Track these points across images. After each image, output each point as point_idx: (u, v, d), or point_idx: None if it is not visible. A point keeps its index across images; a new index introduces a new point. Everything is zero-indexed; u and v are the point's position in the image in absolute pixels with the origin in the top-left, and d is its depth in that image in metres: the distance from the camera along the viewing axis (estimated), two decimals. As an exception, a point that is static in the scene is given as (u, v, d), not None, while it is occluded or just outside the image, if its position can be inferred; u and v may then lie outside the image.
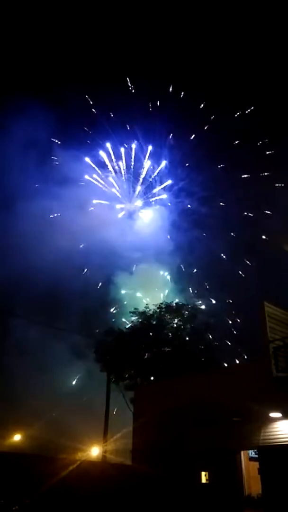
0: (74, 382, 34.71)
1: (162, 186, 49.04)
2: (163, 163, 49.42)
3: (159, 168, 49.01)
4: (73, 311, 39.34)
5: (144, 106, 48.91)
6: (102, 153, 47.94)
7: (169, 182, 48.75)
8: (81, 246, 41.91)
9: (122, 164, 48.63)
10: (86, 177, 46.65)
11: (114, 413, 23.28)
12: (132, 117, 48.42)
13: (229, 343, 27.78)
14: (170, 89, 49.87)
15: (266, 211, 43.00)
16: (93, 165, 47.08)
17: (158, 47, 49.52)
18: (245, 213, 44.31)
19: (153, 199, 48.74)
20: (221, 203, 46.54)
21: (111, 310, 39.29)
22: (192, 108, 47.91)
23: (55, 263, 39.58)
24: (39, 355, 36.61)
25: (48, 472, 18.78)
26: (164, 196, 49.11)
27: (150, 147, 48.93)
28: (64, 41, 47.62)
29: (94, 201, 46.37)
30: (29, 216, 41.72)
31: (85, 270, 41.52)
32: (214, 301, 35.05)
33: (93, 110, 48.28)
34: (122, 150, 49.52)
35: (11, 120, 42.09)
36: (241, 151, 46.04)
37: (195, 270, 42.74)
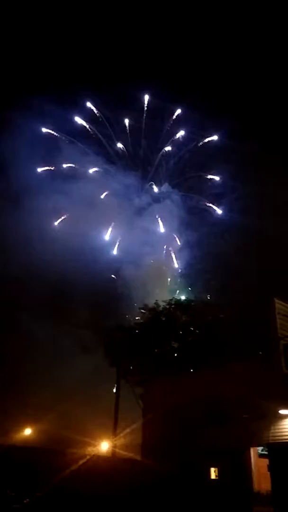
0: (83, 377, 34.90)
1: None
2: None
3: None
4: (81, 306, 39.49)
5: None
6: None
7: (218, 178, 45.43)
8: (89, 241, 41.85)
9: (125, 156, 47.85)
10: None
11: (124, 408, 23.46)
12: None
13: (239, 339, 27.64)
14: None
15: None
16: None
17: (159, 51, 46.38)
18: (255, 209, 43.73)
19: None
20: (231, 200, 45.88)
21: (120, 305, 39.33)
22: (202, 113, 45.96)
23: (63, 258, 39.69)
24: (48, 350, 36.88)
25: (59, 466, 19.00)
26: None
27: (180, 132, 46.48)
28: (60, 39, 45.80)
29: (102, 196, 46.04)
30: (37, 211, 41.76)
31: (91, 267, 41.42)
32: (223, 297, 34.86)
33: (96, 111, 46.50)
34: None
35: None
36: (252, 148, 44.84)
37: (204, 265, 42.49)
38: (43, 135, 44.75)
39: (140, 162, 48.22)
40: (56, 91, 44.85)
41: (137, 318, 28.37)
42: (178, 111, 46.30)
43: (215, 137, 46.25)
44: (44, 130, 44.72)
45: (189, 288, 39.48)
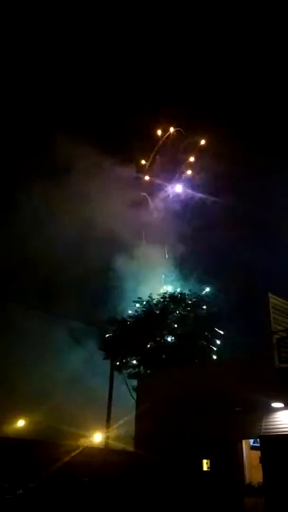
0: (76, 369, 34.97)
1: None
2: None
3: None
4: (73, 297, 39.30)
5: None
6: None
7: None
8: (82, 231, 41.50)
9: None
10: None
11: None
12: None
13: (232, 332, 27.90)
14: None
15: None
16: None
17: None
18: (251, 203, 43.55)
19: None
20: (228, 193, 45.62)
21: (113, 297, 39.23)
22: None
23: (55, 248, 39.41)
24: (39, 342, 36.80)
25: (52, 458, 19.19)
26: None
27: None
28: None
29: (97, 188, 45.61)
30: (28, 201, 41.20)
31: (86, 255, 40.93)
32: (218, 290, 35.04)
33: None
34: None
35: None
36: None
37: (199, 258, 42.51)
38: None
39: (134, 156, 47.74)
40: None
41: (130, 311, 28.38)
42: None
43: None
44: None
45: (183, 281, 39.52)
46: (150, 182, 48.55)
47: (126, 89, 45.55)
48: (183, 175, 47.64)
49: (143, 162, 47.97)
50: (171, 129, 46.82)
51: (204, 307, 27.45)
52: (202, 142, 45.66)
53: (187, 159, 47.12)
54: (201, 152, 46.18)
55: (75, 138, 43.47)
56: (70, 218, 41.32)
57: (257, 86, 44.16)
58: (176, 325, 26.44)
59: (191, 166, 47.32)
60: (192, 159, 47.02)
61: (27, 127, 43.07)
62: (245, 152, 43.36)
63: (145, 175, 48.30)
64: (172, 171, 48.13)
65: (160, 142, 47.21)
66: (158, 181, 48.22)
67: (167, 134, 46.89)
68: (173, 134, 47.21)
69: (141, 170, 48.00)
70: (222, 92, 45.05)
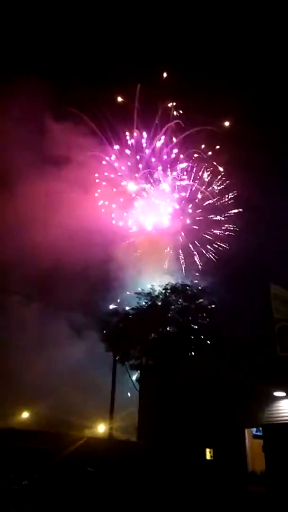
0: (80, 361, 35.11)
1: None
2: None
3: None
4: (75, 289, 39.33)
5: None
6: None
7: None
8: (81, 224, 41.37)
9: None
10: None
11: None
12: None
13: (234, 322, 27.93)
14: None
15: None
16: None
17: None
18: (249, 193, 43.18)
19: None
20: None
21: (115, 289, 39.21)
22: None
23: (55, 241, 39.27)
24: (42, 334, 36.89)
25: (56, 448, 19.30)
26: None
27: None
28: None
29: (95, 180, 45.32)
30: (29, 194, 40.95)
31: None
32: (218, 280, 35.00)
33: None
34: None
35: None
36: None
37: (199, 249, 42.46)
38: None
39: (133, 148, 47.40)
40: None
41: (132, 303, 28.44)
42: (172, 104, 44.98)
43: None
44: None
45: (185, 272, 39.55)
46: (150, 173, 48.35)
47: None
48: (183, 166, 47.35)
49: (142, 155, 47.79)
50: (171, 107, 45.94)
51: (205, 297, 27.45)
52: (200, 131, 45.15)
53: (186, 150, 46.77)
54: (199, 140, 45.82)
55: (71, 129, 43.21)
56: (70, 209, 41.24)
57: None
58: (177, 316, 26.48)
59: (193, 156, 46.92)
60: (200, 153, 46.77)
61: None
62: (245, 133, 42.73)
63: (145, 166, 48.07)
64: (173, 161, 47.82)
65: (159, 138, 46.88)
66: (158, 172, 47.95)
67: (166, 128, 46.53)
68: (170, 127, 46.77)
69: (140, 161, 47.79)
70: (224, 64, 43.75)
